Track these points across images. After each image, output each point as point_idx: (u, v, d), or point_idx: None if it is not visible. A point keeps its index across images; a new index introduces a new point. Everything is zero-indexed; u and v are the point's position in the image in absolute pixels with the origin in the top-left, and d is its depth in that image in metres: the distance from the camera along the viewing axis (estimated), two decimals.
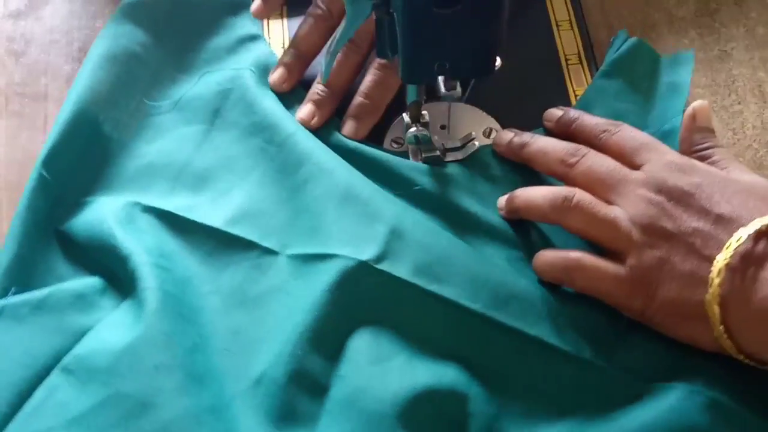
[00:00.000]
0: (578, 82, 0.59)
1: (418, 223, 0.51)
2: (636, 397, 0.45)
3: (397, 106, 0.56)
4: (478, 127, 0.57)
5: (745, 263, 0.43)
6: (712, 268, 0.43)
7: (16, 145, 0.59)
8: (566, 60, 0.60)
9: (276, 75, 0.58)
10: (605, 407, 0.46)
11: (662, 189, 0.46)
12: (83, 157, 0.55)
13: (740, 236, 0.43)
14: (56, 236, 0.53)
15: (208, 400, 0.46)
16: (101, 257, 0.52)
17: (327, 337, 0.47)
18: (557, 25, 0.62)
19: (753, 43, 0.61)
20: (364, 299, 0.48)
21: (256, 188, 0.54)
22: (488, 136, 0.57)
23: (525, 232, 0.52)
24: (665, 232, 0.46)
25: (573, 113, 0.54)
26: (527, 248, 0.52)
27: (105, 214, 0.52)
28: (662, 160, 0.48)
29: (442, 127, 0.57)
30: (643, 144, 0.49)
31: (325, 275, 0.48)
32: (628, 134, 0.50)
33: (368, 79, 0.56)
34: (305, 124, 0.55)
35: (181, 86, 0.59)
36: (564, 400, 0.47)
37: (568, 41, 0.61)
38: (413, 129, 0.53)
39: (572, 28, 0.61)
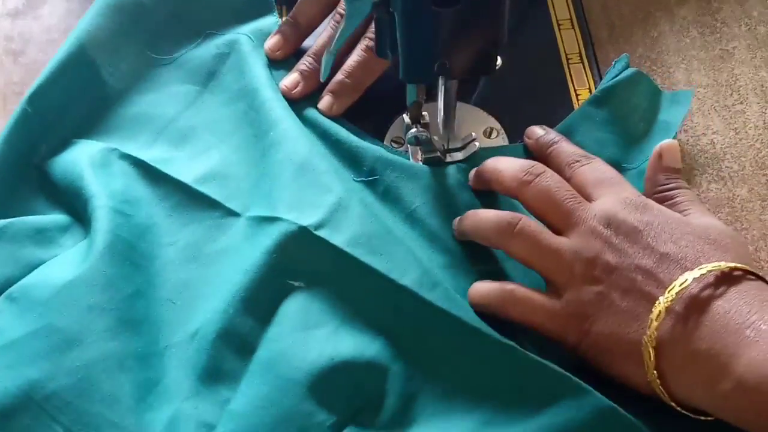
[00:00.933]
0: (579, 82, 0.59)
1: (365, 201, 0.52)
2: (554, 392, 0.45)
3: (397, 106, 0.56)
4: (478, 127, 0.57)
5: (687, 308, 0.42)
6: (653, 309, 0.42)
7: None
8: (567, 59, 0.60)
9: (272, 42, 0.58)
10: (521, 399, 0.45)
11: (611, 223, 0.46)
12: (73, 96, 0.56)
13: (685, 279, 0.42)
14: (37, 172, 0.55)
15: (138, 346, 0.48)
16: (69, 197, 0.53)
17: (261, 298, 0.48)
18: (558, 24, 0.61)
19: (755, 42, 0.61)
20: (300, 264, 0.49)
21: (233, 151, 0.56)
22: (489, 136, 0.57)
23: (472, 251, 0.52)
24: (607, 266, 0.45)
25: (553, 136, 0.53)
26: (469, 266, 0.51)
27: (80, 155, 0.54)
28: (618, 196, 0.47)
29: None
30: (607, 179, 0.49)
31: (268, 238, 0.49)
32: (596, 167, 0.50)
33: (352, 59, 0.57)
34: (287, 92, 0.56)
35: (185, 42, 0.60)
36: (483, 387, 0.46)
37: (569, 40, 0.61)
38: (413, 129, 0.53)
39: (573, 27, 0.61)
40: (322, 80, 0.55)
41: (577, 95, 0.58)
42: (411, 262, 0.48)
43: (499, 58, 0.50)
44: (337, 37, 0.51)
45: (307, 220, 0.49)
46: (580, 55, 0.60)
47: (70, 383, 0.45)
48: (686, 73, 0.59)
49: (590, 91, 0.58)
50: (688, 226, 0.46)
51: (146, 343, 0.48)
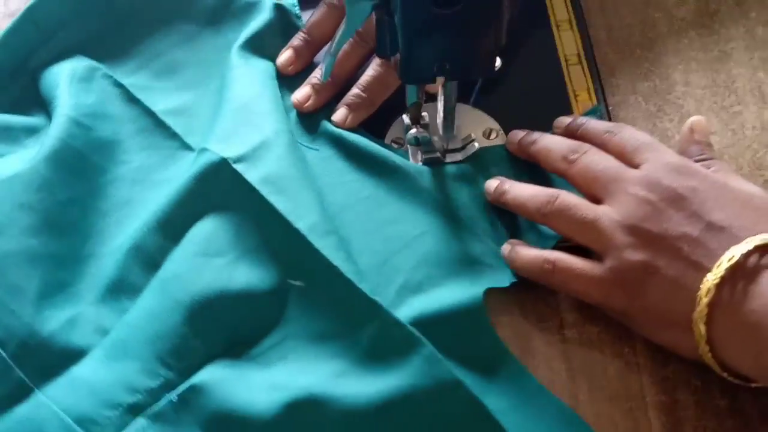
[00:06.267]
0: (578, 83, 0.59)
1: (291, 147, 0.53)
2: (407, 355, 0.46)
3: (397, 106, 0.56)
4: (478, 128, 0.57)
5: (735, 282, 0.42)
6: (702, 286, 0.43)
7: None
8: (566, 60, 0.60)
9: (283, 57, 0.59)
10: (376, 357, 0.47)
11: (655, 189, 0.46)
12: (80, 10, 0.59)
13: (732, 255, 0.42)
14: (30, 78, 0.58)
15: (59, 248, 0.51)
16: (47, 104, 0.56)
17: (174, 220, 0.51)
18: (557, 26, 0.62)
19: (753, 43, 0.61)
20: (215, 194, 0.51)
21: (210, 92, 0.58)
22: (488, 137, 0.57)
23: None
24: (651, 235, 0.45)
25: (580, 119, 0.54)
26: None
27: (66, 67, 0.57)
28: (661, 160, 0.47)
29: None
30: (644, 143, 0.49)
31: (195, 166, 0.52)
32: (629, 134, 0.50)
33: (369, 73, 0.57)
34: (299, 105, 0.57)
35: None
36: (347, 339, 0.48)
37: (567, 41, 0.61)
38: (413, 130, 0.53)
39: (572, 29, 0.61)
40: (323, 80, 0.56)
41: (575, 96, 0.59)
42: (311, 207, 0.50)
43: (498, 59, 0.50)
44: (337, 39, 0.51)
45: (229, 152, 0.51)
46: (579, 57, 0.60)
47: None
48: (684, 74, 0.60)
49: (588, 93, 0.58)
50: (732, 192, 0.45)
51: (69, 247, 0.52)
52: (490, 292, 0.51)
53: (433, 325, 0.48)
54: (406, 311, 0.49)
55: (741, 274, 0.42)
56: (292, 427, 0.46)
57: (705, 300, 0.42)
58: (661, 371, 0.49)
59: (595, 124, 0.53)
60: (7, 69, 0.58)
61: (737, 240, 0.43)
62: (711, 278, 0.42)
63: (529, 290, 0.51)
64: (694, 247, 0.44)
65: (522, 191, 0.51)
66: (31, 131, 0.56)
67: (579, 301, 0.50)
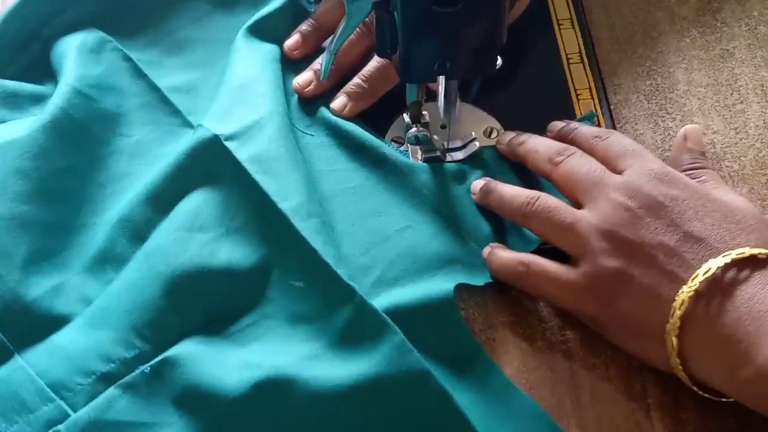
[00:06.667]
0: (579, 82, 0.59)
1: (283, 129, 0.53)
2: (377, 342, 0.46)
3: (397, 105, 0.56)
4: (478, 127, 0.57)
5: (710, 295, 0.42)
6: (676, 298, 0.42)
7: None
8: (567, 59, 0.60)
9: (290, 41, 0.59)
10: (348, 342, 0.47)
11: (635, 195, 0.46)
12: None
13: (709, 268, 0.42)
14: (41, 47, 0.58)
15: (51, 216, 0.51)
16: (55, 73, 0.57)
17: (163, 193, 0.52)
18: (558, 24, 0.61)
19: (755, 42, 0.60)
20: (205, 169, 0.52)
21: (216, 72, 0.58)
22: (489, 136, 0.57)
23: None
24: (627, 242, 0.45)
25: (573, 124, 0.54)
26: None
27: (76, 38, 0.57)
28: (644, 167, 0.47)
29: (443, 127, 0.57)
30: (629, 150, 0.49)
31: (188, 141, 0.53)
32: (616, 140, 0.50)
33: (372, 64, 0.57)
34: (300, 90, 0.57)
35: None
36: (321, 321, 0.48)
37: (569, 40, 0.61)
38: (413, 129, 0.53)
39: (573, 27, 0.61)
40: (322, 80, 0.55)
41: (577, 95, 0.58)
42: (297, 189, 0.50)
43: (499, 58, 0.50)
44: (337, 36, 0.51)
45: (222, 129, 0.52)
46: (581, 55, 0.60)
47: None
48: (686, 72, 0.59)
49: (590, 91, 0.58)
50: (716, 203, 0.45)
51: (62, 216, 0.52)
52: (491, 293, 0.51)
53: (405, 317, 0.48)
54: (379, 303, 0.48)
55: (716, 287, 0.42)
56: (260, 407, 0.46)
57: (678, 312, 0.42)
58: (664, 372, 0.48)
59: (585, 129, 0.52)
60: (19, 38, 0.58)
61: (714, 252, 0.43)
62: (686, 290, 0.42)
63: None
64: (669, 256, 0.43)
65: (504, 191, 0.51)
66: (38, 99, 0.57)
67: None
